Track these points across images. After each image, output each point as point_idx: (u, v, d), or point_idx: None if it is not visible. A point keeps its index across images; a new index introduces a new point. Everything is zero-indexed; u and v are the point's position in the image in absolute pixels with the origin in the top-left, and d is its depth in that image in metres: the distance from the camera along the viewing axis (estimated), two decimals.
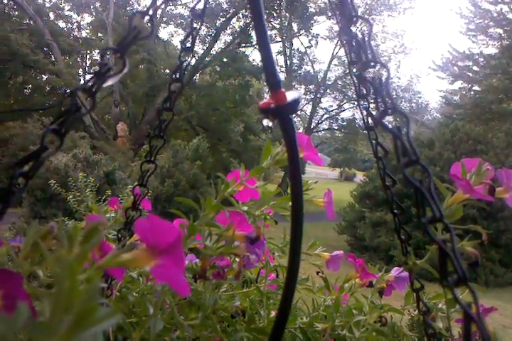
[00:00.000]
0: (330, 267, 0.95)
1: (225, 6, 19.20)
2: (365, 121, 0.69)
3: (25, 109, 17.70)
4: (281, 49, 22.11)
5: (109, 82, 0.42)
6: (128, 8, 21.67)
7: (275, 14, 20.68)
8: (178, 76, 0.79)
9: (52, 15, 21.34)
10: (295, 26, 22.17)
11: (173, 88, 0.79)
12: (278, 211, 0.80)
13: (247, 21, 18.79)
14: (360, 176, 18.94)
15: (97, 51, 21.85)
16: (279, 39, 22.03)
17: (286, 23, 21.50)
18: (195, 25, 0.78)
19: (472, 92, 19.34)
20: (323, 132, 25.77)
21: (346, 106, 23.26)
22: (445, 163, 9.08)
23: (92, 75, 0.43)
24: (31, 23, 18.51)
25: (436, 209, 0.36)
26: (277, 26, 21.55)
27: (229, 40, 20.26)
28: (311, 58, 23.40)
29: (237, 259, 0.74)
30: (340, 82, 22.96)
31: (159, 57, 19.42)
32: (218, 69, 20.08)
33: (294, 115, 0.45)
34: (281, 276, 0.97)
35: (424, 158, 9.30)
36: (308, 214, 0.51)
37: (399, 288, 0.88)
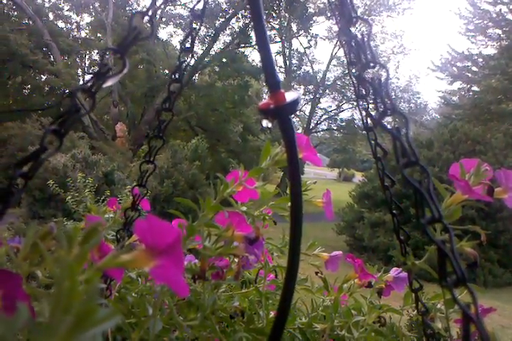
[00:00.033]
0: (329, 267, 0.95)
1: (224, 6, 19.23)
2: (365, 121, 0.69)
3: (24, 109, 17.68)
4: (281, 49, 22.14)
5: (109, 83, 0.42)
6: (127, 9, 21.67)
7: (274, 14, 20.71)
8: (177, 76, 0.79)
9: (51, 16, 21.35)
10: (294, 26, 22.21)
11: (172, 88, 0.79)
12: (277, 211, 0.80)
13: (247, 22, 18.82)
14: (358, 176, 18.95)
15: (96, 51, 21.86)
16: (278, 39, 22.08)
17: (285, 24, 21.53)
18: (194, 25, 0.78)
19: (471, 93, 19.36)
20: (322, 132, 25.78)
21: (345, 106, 23.31)
22: (444, 164, 9.09)
23: (91, 75, 0.43)
24: (30, 23, 18.52)
25: (435, 210, 0.36)
26: (276, 26, 21.58)
27: (228, 41, 20.29)
28: (310, 58, 23.44)
29: (236, 260, 0.74)
30: (339, 83, 22.98)
31: (158, 58, 19.43)
32: (217, 69, 20.10)
33: (293, 115, 0.45)
34: (280, 277, 0.97)
35: (423, 159, 9.31)
36: (307, 214, 0.51)
37: (398, 288, 0.88)
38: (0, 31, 15.68)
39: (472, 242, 0.65)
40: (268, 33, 0.43)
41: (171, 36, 26.11)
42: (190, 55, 0.80)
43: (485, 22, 18.80)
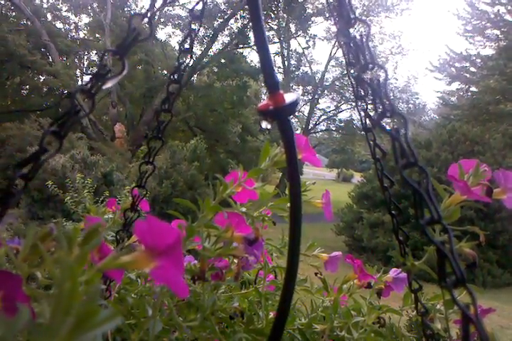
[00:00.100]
0: (328, 268, 0.95)
1: (222, 7, 19.23)
2: (363, 122, 0.69)
3: (23, 109, 17.67)
4: (279, 50, 22.14)
5: (109, 84, 0.42)
6: (125, 9, 21.66)
7: (273, 15, 20.71)
8: (176, 77, 0.79)
9: (49, 16, 21.33)
10: (293, 27, 22.21)
11: (171, 89, 0.79)
12: (276, 212, 0.80)
13: (245, 22, 18.83)
14: (357, 177, 18.94)
15: (95, 52, 21.85)
16: (276, 40, 22.05)
17: (283, 24, 21.52)
18: (193, 26, 0.78)
19: (469, 93, 19.39)
20: (320, 133, 25.81)
21: (344, 107, 23.31)
22: (442, 164, 9.10)
23: (91, 77, 0.43)
24: (29, 23, 18.50)
25: (435, 211, 0.36)
26: (275, 27, 21.56)
27: (227, 41, 20.29)
28: (308, 59, 23.43)
29: (236, 260, 0.74)
30: (337, 83, 22.99)
31: (157, 58, 19.43)
32: (216, 70, 20.11)
33: (291, 116, 0.45)
34: (279, 277, 0.97)
35: (422, 159, 9.26)
36: (307, 215, 0.52)
37: (397, 289, 0.89)
38: None
39: (471, 243, 0.65)
40: (266, 33, 0.43)
41: (170, 37, 26.09)
42: (189, 56, 0.80)
43: (483, 23, 18.83)
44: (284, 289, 0.49)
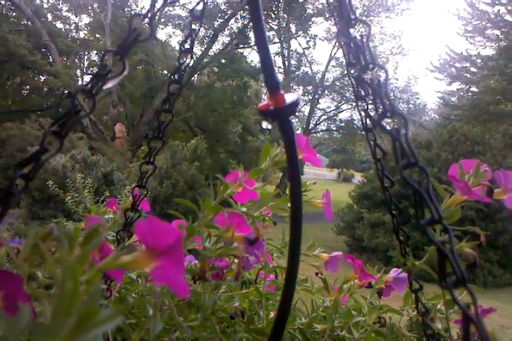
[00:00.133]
0: (328, 268, 0.95)
1: (223, 7, 19.23)
2: (364, 122, 0.69)
3: (23, 109, 17.66)
4: (279, 50, 22.14)
5: (109, 85, 0.42)
6: (126, 10, 21.66)
7: (273, 15, 20.70)
8: (176, 77, 0.79)
9: (50, 16, 21.35)
10: (293, 27, 22.20)
11: (171, 89, 0.79)
12: (277, 212, 0.80)
13: (245, 22, 18.82)
14: (358, 177, 18.96)
15: (95, 52, 21.86)
16: (277, 40, 22.05)
17: (284, 24, 21.53)
18: (194, 26, 0.78)
19: (470, 93, 19.38)
20: (321, 133, 25.77)
21: (344, 107, 23.31)
22: (443, 164, 9.10)
23: (91, 77, 0.43)
24: (29, 24, 18.51)
25: (435, 211, 0.36)
26: (275, 27, 21.56)
27: (227, 41, 20.29)
28: (309, 59, 23.43)
29: (236, 260, 0.74)
30: (338, 83, 22.98)
31: (157, 58, 19.44)
32: (216, 70, 20.11)
33: (292, 116, 0.45)
34: (280, 277, 0.97)
35: (422, 159, 9.27)
36: (307, 215, 0.52)
37: (398, 288, 0.89)
38: None
39: (472, 243, 0.65)
40: (267, 33, 0.43)
41: (170, 37, 26.15)
42: (189, 56, 0.80)
43: (483, 23, 18.83)
44: (284, 289, 0.49)
